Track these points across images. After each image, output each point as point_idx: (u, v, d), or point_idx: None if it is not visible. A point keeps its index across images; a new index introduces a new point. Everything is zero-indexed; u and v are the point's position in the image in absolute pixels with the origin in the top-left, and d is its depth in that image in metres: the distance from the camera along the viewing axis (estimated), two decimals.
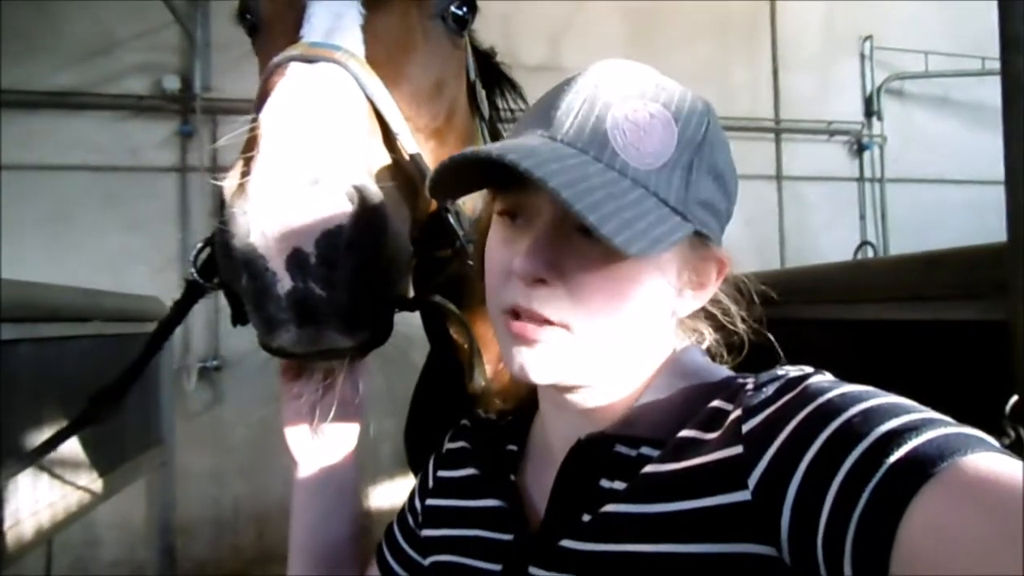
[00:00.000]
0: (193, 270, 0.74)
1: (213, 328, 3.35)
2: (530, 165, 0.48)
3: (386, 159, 0.70)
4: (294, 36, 0.72)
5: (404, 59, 0.77)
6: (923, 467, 0.38)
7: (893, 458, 0.39)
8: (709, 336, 0.66)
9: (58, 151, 3.22)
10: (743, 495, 0.46)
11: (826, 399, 0.46)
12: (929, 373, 0.97)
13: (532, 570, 0.56)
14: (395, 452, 1.66)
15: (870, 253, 3.72)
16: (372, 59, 0.71)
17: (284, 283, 0.59)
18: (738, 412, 0.50)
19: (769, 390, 0.50)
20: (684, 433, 0.53)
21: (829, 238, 4.13)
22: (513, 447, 0.68)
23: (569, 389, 0.59)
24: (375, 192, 0.62)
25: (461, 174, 0.55)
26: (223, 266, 0.63)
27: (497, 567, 0.60)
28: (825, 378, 0.50)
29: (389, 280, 0.66)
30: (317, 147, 0.60)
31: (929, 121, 4.49)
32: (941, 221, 4.04)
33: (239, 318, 0.71)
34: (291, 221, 0.58)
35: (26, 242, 3.04)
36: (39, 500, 1.28)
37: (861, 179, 4.34)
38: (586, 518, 0.55)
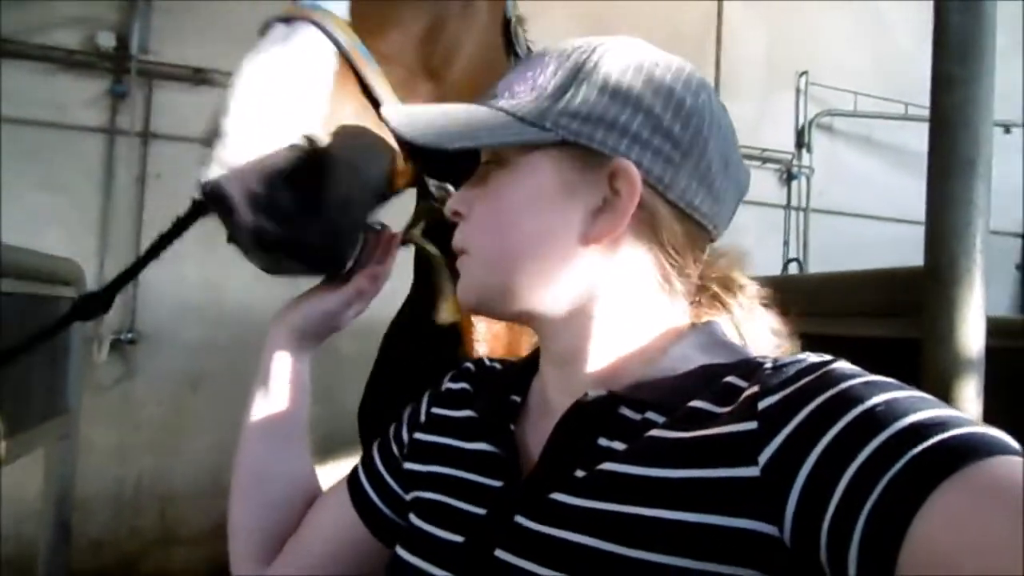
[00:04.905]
0: (199, 195, 0.82)
1: (130, 300, 3.21)
2: (386, 111, 0.65)
3: (355, 108, 0.76)
4: None
5: (390, 6, 0.83)
6: (945, 462, 0.36)
7: (915, 450, 0.38)
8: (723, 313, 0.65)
9: None
10: (752, 471, 0.45)
11: (849, 385, 0.45)
12: None
13: (518, 519, 0.55)
14: (317, 441, 1.62)
15: (793, 269, 3.89)
16: (357, 11, 0.78)
17: (246, 218, 0.68)
18: (755, 389, 0.49)
19: (790, 371, 0.49)
20: (695, 403, 0.52)
21: (755, 260, 4.28)
22: (516, 398, 0.68)
23: (505, 319, 0.66)
24: (321, 136, 0.71)
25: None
26: (207, 204, 0.74)
27: (482, 511, 0.59)
28: (848, 365, 0.49)
29: (342, 216, 0.74)
30: (271, 100, 0.70)
31: (854, 158, 4.73)
32: (859, 253, 4.25)
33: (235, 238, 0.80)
34: (243, 165, 0.68)
35: None
36: None
37: (788, 207, 4.53)
38: (580, 474, 0.54)
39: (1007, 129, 4.39)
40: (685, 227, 0.60)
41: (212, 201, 0.70)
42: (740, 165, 0.65)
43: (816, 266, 4.41)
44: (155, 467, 3.24)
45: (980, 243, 0.86)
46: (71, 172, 3.15)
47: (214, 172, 0.68)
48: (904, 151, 4.58)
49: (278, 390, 0.78)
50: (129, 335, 3.20)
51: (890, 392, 0.43)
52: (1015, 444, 0.39)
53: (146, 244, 0.86)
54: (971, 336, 0.82)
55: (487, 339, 1.07)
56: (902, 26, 4.59)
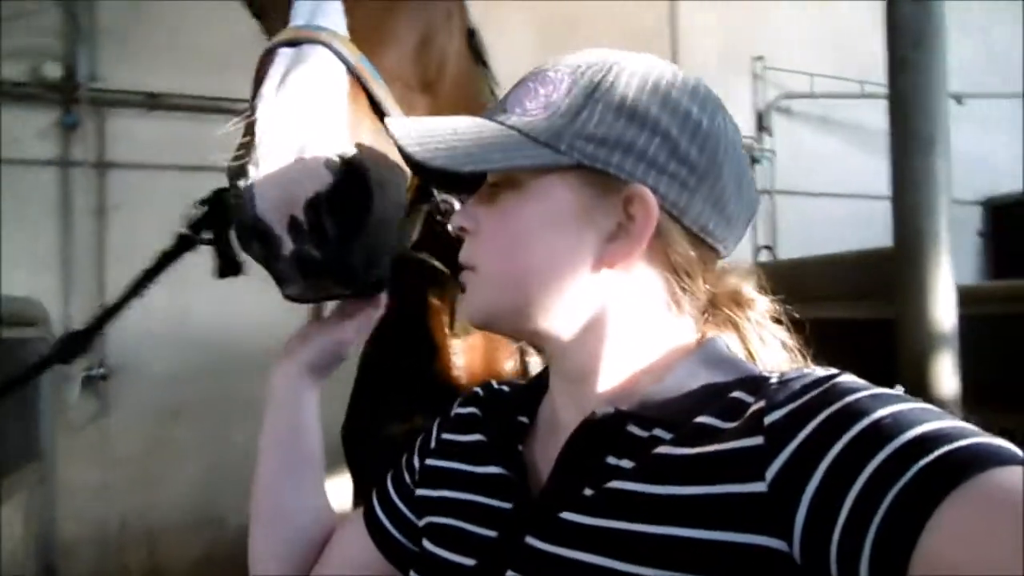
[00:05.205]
0: (185, 227, 0.82)
1: (99, 334, 3.13)
2: (391, 124, 0.60)
3: (372, 125, 0.76)
4: (285, 21, 0.79)
5: (386, 22, 0.83)
6: (954, 474, 0.37)
7: (923, 462, 0.38)
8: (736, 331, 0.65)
9: None
10: (759, 486, 0.45)
11: (855, 398, 0.45)
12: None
13: (528, 539, 0.55)
14: None
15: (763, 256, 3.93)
16: (355, 29, 0.78)
17: (287, 245, 0.68)
18: (761, 404, 0.49)
19: (795, 385, 0.49)
20: (701, 419, 0.52)
21: None
22: (524, 419, 0.67)
23: (515, 336, 0.66)
24: (357, 158, 0.70)
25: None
26: (240, 236, 0.73)
27: (493, 534, 0.59)
28: (853, 379, 0.49)
29: (380, 235, 0.73)
30: (302, 126, 0.69)
31: (813, 139, 4.81)
32: (825, 232, 4.32)
33: (225, 271, 0.79)
34: (283, 193, 0.67)
35: None
36: None
37: None
38: (588, 492, 0.54)
39: (959, 100, 4.50)
40: (698, 251, 0.60)
41: (253, 233, 0.69)
42: (751, 185, 0.64)
43: (785, 248, 4.48)
44: (138, 503, 3.18)
45: (945, 220, 0.88)
46: (27, 207, 3.06)
47: (254, 207, 0.67)
48: (861, 129, 4.66)
49: (293, 425, 0.78)
50: (100, 370, 3.12)
51: (895, 405, 0.43)
52: (1021, 453, 0.39)
53: (109, 278, 0.85)
54: (943, 312, 0.83)
55: (465, 351, 1.06)
56: (852, 5, 4.67)
